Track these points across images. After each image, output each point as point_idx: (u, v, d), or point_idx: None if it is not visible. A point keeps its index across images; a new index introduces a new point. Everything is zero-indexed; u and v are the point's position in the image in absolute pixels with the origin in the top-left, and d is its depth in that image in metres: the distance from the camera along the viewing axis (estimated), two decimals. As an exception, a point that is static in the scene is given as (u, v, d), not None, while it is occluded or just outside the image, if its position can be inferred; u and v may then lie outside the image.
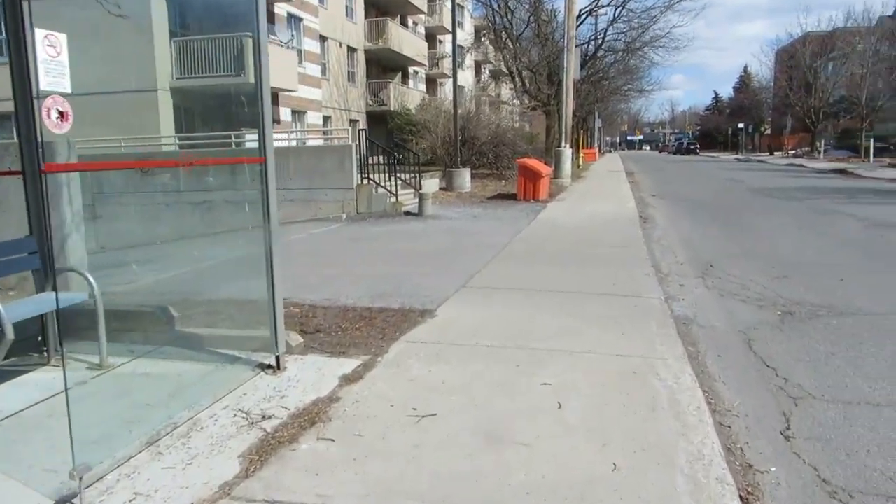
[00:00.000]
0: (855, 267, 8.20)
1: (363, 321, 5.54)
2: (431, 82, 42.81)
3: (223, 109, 22.34)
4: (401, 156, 16.65)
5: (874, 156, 37.46)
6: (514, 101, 36.50)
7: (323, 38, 27.36)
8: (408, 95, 33.27)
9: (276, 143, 15.40)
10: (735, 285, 7.32)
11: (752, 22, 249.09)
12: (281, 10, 22.46)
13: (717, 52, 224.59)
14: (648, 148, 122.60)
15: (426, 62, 37.61)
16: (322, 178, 14.55)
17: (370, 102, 32.56)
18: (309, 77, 25.06)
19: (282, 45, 21.38)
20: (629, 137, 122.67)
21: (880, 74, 40.00)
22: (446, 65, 37.65)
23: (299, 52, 24.29)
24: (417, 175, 16.00)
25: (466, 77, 45.85)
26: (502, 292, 6.65)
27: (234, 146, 15.53)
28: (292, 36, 22.54)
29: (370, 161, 15.61)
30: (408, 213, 14.26)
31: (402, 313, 5.80)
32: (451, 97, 31.62)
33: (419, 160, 15.78)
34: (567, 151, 21.36)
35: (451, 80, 43.41)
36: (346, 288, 7.00)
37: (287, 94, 22.77)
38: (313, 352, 4.66)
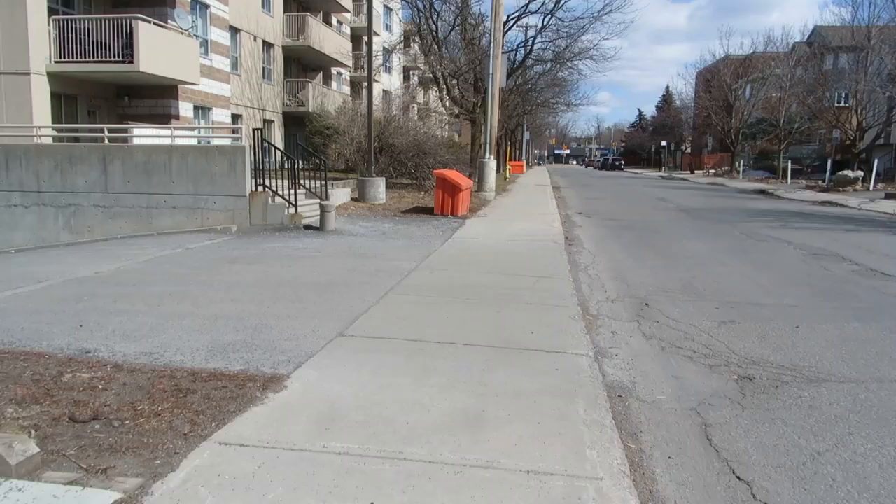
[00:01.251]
0: (807, 309, 7.10)
1: (175, 398, 3.86)
2: (357, 86, 40.94)
3: (109, 100, 19.95)
4: (313, 161, 14.91)
5: (791, 177, 38.24)
6: (441, 108, 35.22)
7: (235, 30, 25.14)
8: (328, 97, 31.31)
9: (155, 140, 13.33)
10: (677, 333, 6.03)
11: (673, 45, 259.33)
12: (183, -7, 20.25)
13: (641, 72, 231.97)
14: (575, 162, 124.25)
15: (350, 63, 35.76)
16: (211, 182, 12.64)
17: (287, 102, 30.43)
18: (216, 71, 22.83)
19: (181, 32, 19.17)
20: (556, 151, 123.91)
21: (798, 96, 40.93)
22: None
23: (205, 41, 22.03)
24: (323, 184, 14.27)
25: (393, 82, 44.31)
26: (388, 345, 5.09)
27: (106, 140, 13.37)
28: (193, 22, 20.31)
29: (286, 166, 13.78)
30: (308, 227, 12.53)
31: (238, 382, 4.15)
32: (386, 104, 30.05)
33: (325, 166, 14.08)
34: (491, 163, 20.09)
35: (377, 85, 41.77)
36: (184, 335, 5.27)
37: (189, 87, 20.54)
38: (57, 466, 2.95)
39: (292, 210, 12.78)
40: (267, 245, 10.69)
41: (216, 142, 17.82)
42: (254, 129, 12.90)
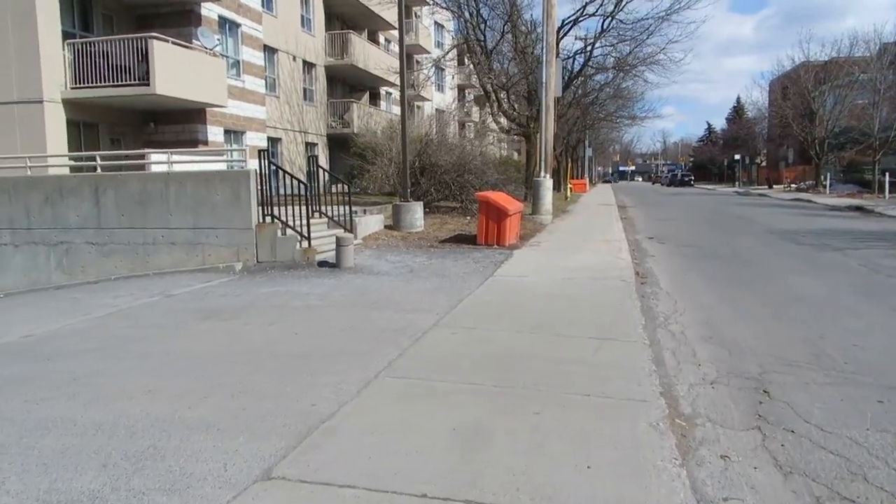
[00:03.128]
0: None
1: None
2: (408, 105, 39.40)
3: (135, 127, 18.75)
4: (353, 185, 13.01)
5: (889, 191, 34.03)
6: (493, 125, 33.12)
7: (271, 50, 23.86)
8: (375, 117, 29.67)
9: (154, 168, 11.64)
10: (833, 461, 3.62)
11: (740, 56, 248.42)
12: (210, 11, 18.86)
13: (707, 85, 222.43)
14: (640, 179, 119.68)
15: (399, 82, 34.20)
16: (212, 213, 10.87)
17: (332, 124, 28.99)
18: (249, 92, 21.43)
19: (206, 52, 17.80)
20: (621, 168, 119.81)
21: (892, 100, 36.79)
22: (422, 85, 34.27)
23: (237, 63, 20.70)
24: (349, 211, 12.35)
25: (446, 100, 42.63)
26: (331, 509, 2.92)
27: (98, 169, 11.82)
28: (219, 41, 18.95)
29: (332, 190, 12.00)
30: (322, 264, 10.56)
31: None
32: (427, 119, 28.16)
33: (350, 191, 12.16)
34: (547, 182, 17.78)
35: (429, 103, 40.09)
36: (13, 476, 3.26)
37: (217, 110, 19.15)
38: None
39: (305, 244, 10.86)
40: (264, 289, 8.75)
41: (218, 167, 15.91)
42: (259, 151, 11.09)
